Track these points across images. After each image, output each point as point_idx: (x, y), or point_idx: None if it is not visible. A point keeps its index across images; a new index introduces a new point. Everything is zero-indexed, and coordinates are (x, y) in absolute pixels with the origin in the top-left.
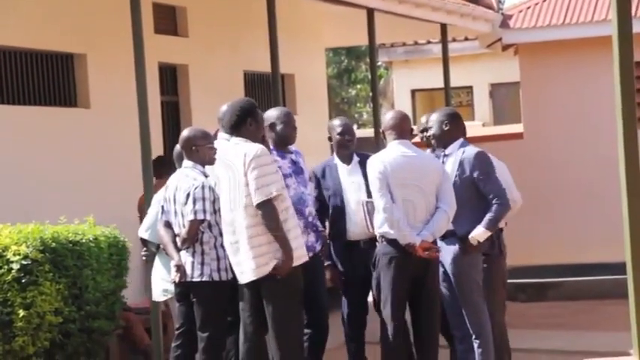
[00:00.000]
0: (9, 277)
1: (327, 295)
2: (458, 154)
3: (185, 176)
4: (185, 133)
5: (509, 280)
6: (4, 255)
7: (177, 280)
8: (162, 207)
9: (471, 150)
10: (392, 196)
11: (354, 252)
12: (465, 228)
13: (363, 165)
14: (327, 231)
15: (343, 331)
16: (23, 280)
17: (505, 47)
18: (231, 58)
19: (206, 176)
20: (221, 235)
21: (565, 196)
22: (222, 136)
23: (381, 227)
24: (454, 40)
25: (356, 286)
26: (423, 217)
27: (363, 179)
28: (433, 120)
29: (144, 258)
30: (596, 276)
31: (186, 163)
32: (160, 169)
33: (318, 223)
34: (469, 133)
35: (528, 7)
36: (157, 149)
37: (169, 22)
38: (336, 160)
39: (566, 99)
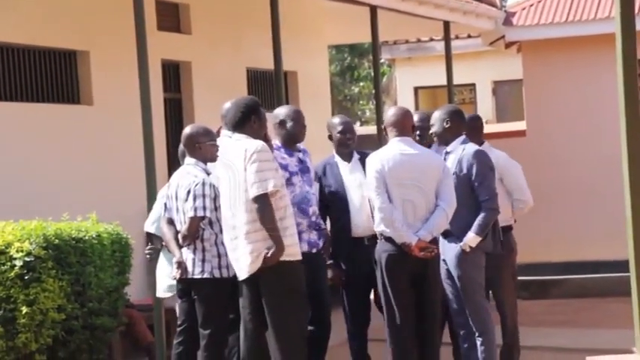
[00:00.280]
0: (12, 274)
1: (329, 292)
2: (458, 152)
3: (187, 173)
4: (187, 130)
5: None
6: (7, 252)
7: (178, 276)
8: (165, 204)
9: (471, 148)
10: (390, 195)
11: (358, 249)
12: (460, 226)
13: (363, 162)
14: (329, 228)
15: (346, 329)
16: (26, 277)
17: (508, 45)
18: (234, 55)
19: (208, 173)
20: (222, 232)
21: (568, 193)
22: (225, 133)
23: (378, 226)
24: (457, 37)
25: (359, 283)
26: (423, 216)
27: (364, 177)
28: (435, 117)
29: (148, 257)
30: (598, 274)
31: (188, 160)
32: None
33: (321, 222)
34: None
35: (531, 5)
36: (160, 146)
37: (172, 19)
38: (337, 158)
39: (569, 96)
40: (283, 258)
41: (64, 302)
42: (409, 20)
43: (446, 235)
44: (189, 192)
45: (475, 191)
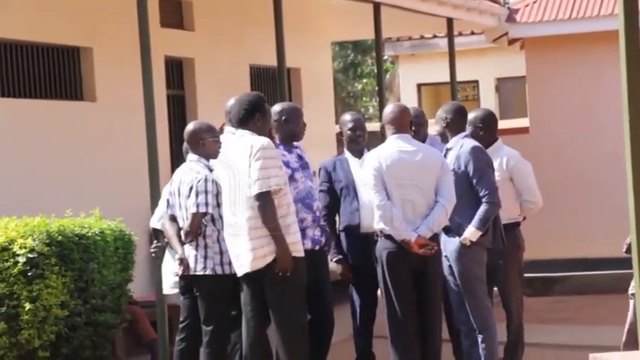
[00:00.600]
0: (15, 271)
1: (331, 290)
2: (457, 148)
3: (189, 169)
4: (190, 126)
5: None
6: (10, 248)
7: (180, 273)
8: (168, 200)
9: (468, 144)
10: (390, 195)
11: (367, 245)
12: (457, 222)
13: None
14: (338, 224)
15: (351, 325)
16: (29, 274)
17: (511, 41)
18: (238, 52)
19: (210, 170)
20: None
21: (571, 190)
22: (229, 129)
23: (377, 224)
24: (460, 34)
25: (367, 278)
26: (423, 212)
27: None
28: (437, 115)
29: (153, 255)
30: (601, 270)
31: (191, 156)
32: None
33: (321, 218)
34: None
35: (535, 2)
36: (163, 143)
37: (175, 15)
38: (347, 155)
39: (573, 93)
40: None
41: (67, 299)
42: (412, 17)
43: (447, 230)
44: (191, 188)
45: (475, 187)
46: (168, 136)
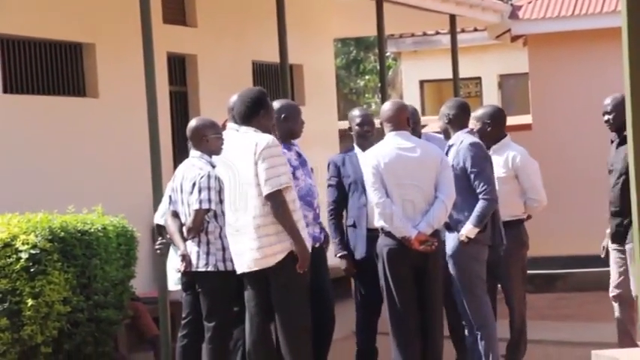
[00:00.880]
0: (18, 267)
1: (332, 286)
2: (457, 144)
3: (192, 166)
4: (193, 123)
5: None
6: (12, 244)
7: (182, 269)
8: (170, 197)
9: (467, 140)
10: (389, 193)
11: (374, 240)
12: (457, 218)
13: None
14: (345, 219)
15: (355, 320)
16: (32, 270)
17: (514, 38)
18: (240, 49)
19: (213, 166)
20: None
21: (573, 187)
22: (231, 126)
23: (377, 221)
24: (463, 31)
25: (373, 274)
26: (423, 209)
27: None
28: (440, 112)
29: (158, 251)
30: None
31: (193, 152)
32: None
33: (329, 214)
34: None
35: None
36: (166, 139)
37: (178, 11)
38: (357, 150)
39: (575, 90)
40: (293, 250)
41: (70, 295)
42: (415, 13)
43: (447, 227)
44: (194, 184)
45: (472, 183)
46: (170, 132)
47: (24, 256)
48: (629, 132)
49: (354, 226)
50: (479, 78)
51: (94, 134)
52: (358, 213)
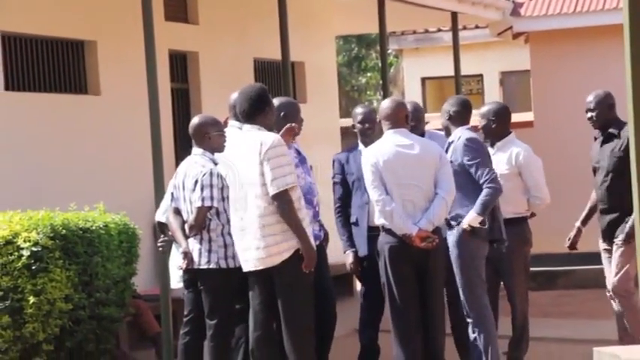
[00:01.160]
0: (19, 264)
1: (332, 284)
2: (455, 141)
3: (194, 163)
4: (196, 120)
5: None
6: (14, 242)
7: (184, 267)
8: (172, 194)
9: (465, 135)
10: (388, 191)
11: (376, 238)
12: (456, 214)
13: None
14: (350, 216)
15: (359, 317)
16: (33, 267)
17: (516, 35)
18: (242, 46)
19: (215, 163)
20: (229, 222)
21: (574, 184)
22: (233, 124)
23: (378, 219)
24: (465, 28)
25: (377, 271)
26: (424, 206)
27: None
28: (442, 109)
29: (160, 248)
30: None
31: (196, 150)
32: None
33: (335, 212)
34: (474, 122)
35: None
36: (167, 136)
37: (180, 9)
38: (361, 147)
39: (577, 87)
40: (298, 248)
41: (72, 292)
42: (417, 11)
43: (449, 225)
44: (196, 182)
45: (475, 177)
46: (172, 129)
47: (26, 253)
48: (630, 130)
49: (356, 223)
50: (480, 75)
51: (95, 131)
52: (360, 211)
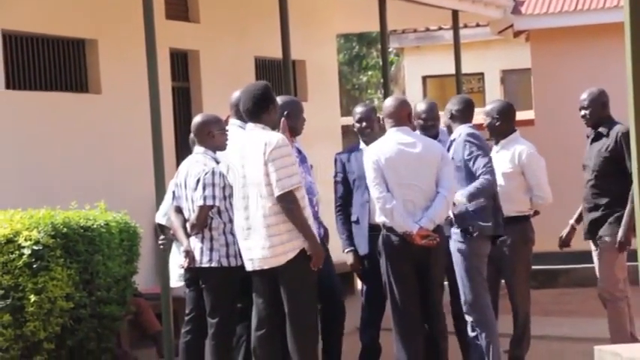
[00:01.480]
0: (20, 263)
1: (338, 279)
2: (457, 138)
3: (196, 162)
4: (199, 118)
5: None
6: (15, 240)
7: (186, 265)
8: (174, 192)
9: (465, 132)
10: (389, 190)
11: (377, 237)
12: (458, 212)
13: None
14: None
15: (360, 316)
16: (34, 266)
17: (517, 34)
18: (242, 44)
19: (217, 162)
20: (231, 221)
21: (576, 182)
22: (234, 122)
23: (379, 217)
24: (465, 26)
25: (376, 270)
26: (425, 205)
27: None
28: (445, 108)
29: (161, 246)
30: None
31: (198, 148)
32: None
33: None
34: (479, 120)
35: None
36: (168, 135)
37: (181, 7)
38: (362, 146)
39: (578, 86)
40: (303, 248)
41: (73, 291)
42: (418, 9)
43: (452, 224)
44: (198, 180)
45: (473, 170)
46: (173, 128)
47: (27, 252)
48: (631, 128)
49: (357, 222)
50: (481, 74)
51: (96, 130)
52: (361, 210)
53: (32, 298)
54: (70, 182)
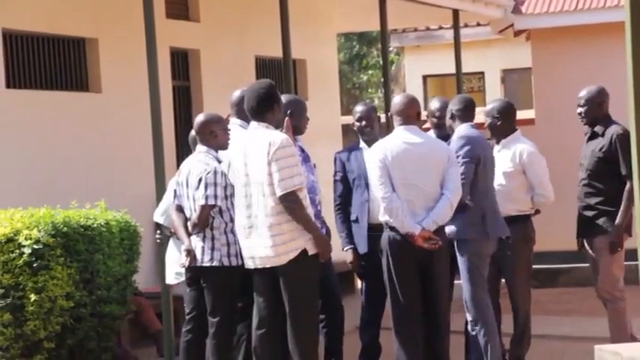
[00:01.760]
0: (21, 262)
1: (337, 279)
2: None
3: (198, 161)
4: (201, 117)
5: None
6: (15, 239)
7: (187, 264)
8: (175, 191)
9: (462, 132)
10: (394, 187)
11: (376, 235)
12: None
13: None
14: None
15: (360, 315)
16: (35, 265)
17: (517, 33)
18: (243, 43)
19: (219, 161)
20: (232, 221)
21: (576, 182)
22: (235, 121)
23: (382, 216)
24: (466, 25)
25: (378, 269)
26: (429, 207)
27: None
28: (447, 110)
29: (158, 241)
30: None
31: (200, 148)
32: None
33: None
34: (480, 120)
35: None
36: (169, 134)
37: (181, 6)
38: (362, 145)
39: (579, 85)
40: (304, 248)
41: (73, 290)
42: (418, 8)
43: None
44: (200, 180)
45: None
46: (173, 127)
47: (27, 251)
48: (631, 128)
49: (356, 221)
50: (482, 73)
51: (96, 129)
52: (360, 208)
53: (32, 297)
54: (70, 181)
